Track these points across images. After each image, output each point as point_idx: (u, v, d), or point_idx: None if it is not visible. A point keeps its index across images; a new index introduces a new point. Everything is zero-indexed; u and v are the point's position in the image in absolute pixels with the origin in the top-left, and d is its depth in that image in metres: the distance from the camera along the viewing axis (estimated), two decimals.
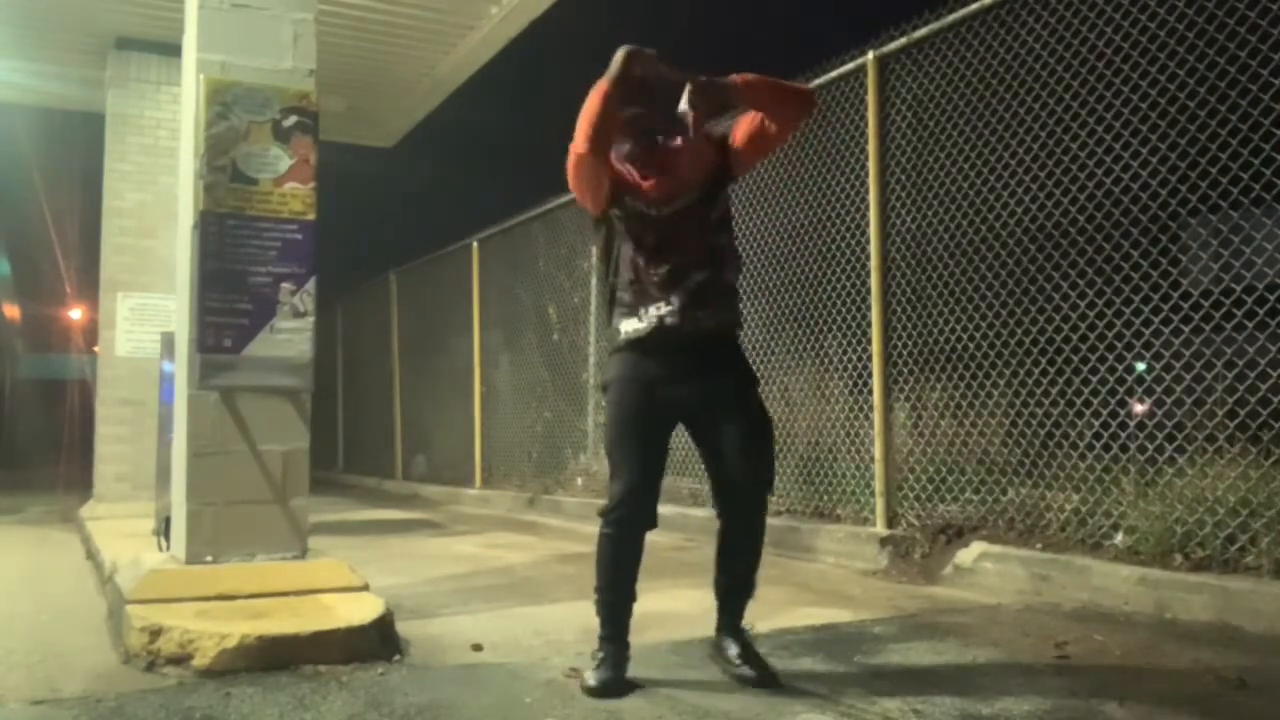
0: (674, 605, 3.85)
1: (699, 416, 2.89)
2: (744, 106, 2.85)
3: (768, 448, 2.96)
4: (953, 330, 4.99)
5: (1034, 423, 4.61)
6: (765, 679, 2.77)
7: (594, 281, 8.43)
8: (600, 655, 2.80)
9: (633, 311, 2.86)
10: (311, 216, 3.88)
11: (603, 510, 2.86)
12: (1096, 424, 4.33)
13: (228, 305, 3.73)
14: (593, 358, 8.47)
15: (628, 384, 2.86)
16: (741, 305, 3.12)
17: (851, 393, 5.60)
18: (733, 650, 2.87)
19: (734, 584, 2.96)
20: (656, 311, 2.82)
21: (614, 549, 2.85)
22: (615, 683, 2.73)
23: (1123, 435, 4.26)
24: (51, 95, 8.39)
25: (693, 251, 2.83)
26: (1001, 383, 4.75)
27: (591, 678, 2.73)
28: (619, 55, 2.69)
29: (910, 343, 5.18)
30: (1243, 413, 3.88)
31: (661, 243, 2.84)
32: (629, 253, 2.86)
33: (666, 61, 2.74)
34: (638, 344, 2.85)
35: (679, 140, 2.85)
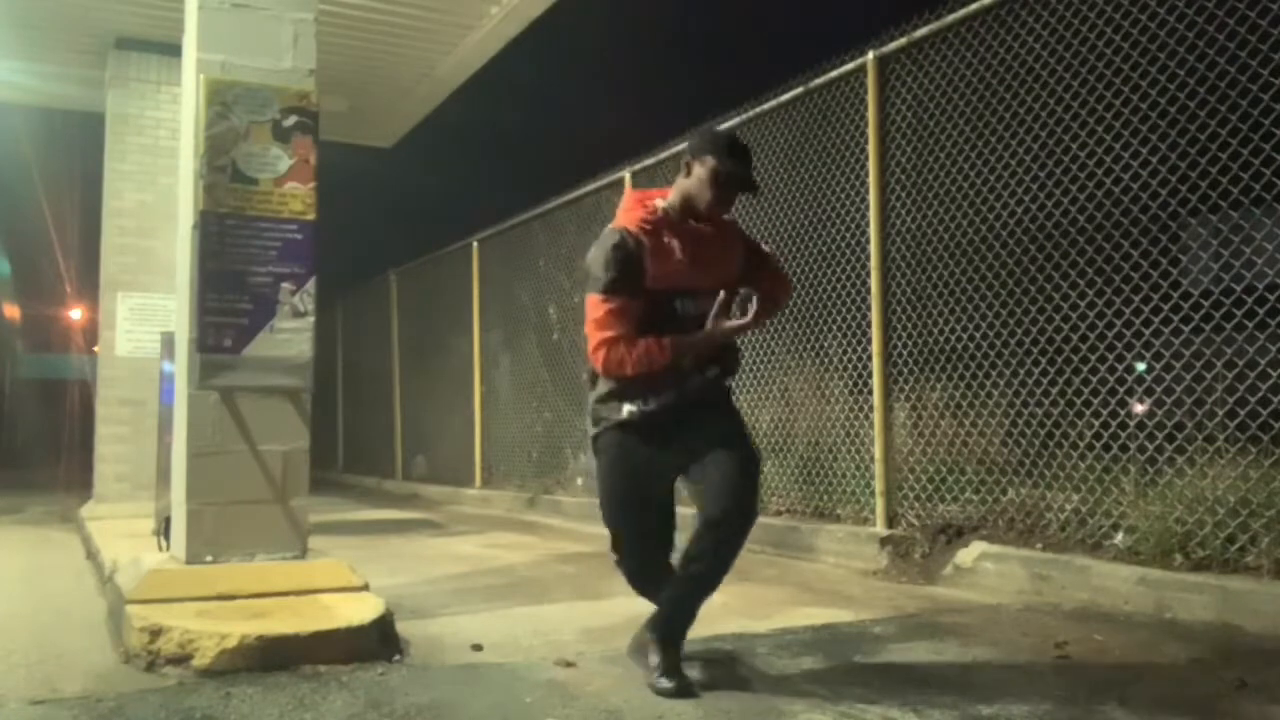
0: None
1: (694, 460, 2.80)
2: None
3: (756, 484, 2.87)
4: (953, 330, 4.99)
5: (1034, 423, 4.61)
6: (685, 690, 2.66)
7: None
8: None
9: (635, 396, 2.80)
10: (311, 216, 3.88)
11: (616, 562, 2.99)
12: (1096, 424, 4.33)
13: (228, 305, 3.73)
14: None
15: (623, 462, 2.84)
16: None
17: (851, 393, 5.60)
18: (655, 659, 2.74)
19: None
20: (658, 400, 2.78)
21: (632, 580, 3.00)
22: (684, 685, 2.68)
23: (1123, 435, 4.26)
24: (51, 95, 8.39)
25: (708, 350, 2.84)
26: (1001, 383, 4.75)
27: (663, 681, 2.67)
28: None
29: (910, 343, 5.18)
30: (1243, 413, 3.88)
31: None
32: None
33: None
34: (634, 426, 2.81)
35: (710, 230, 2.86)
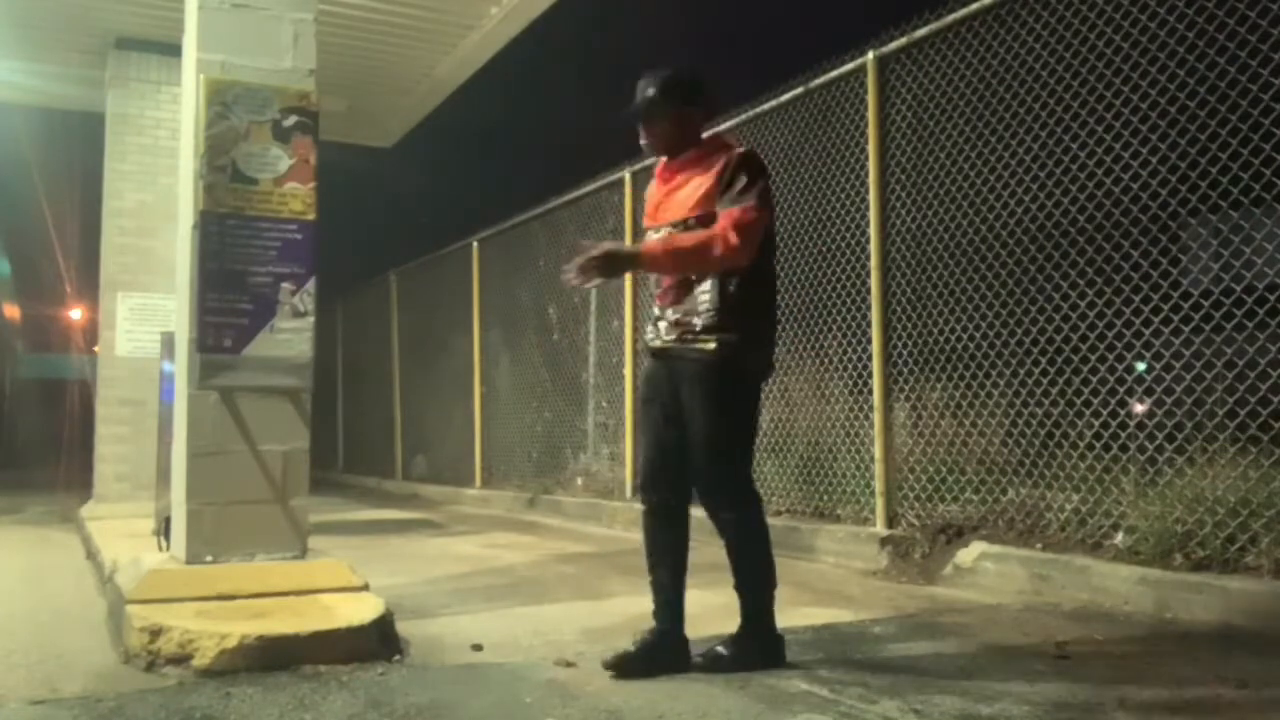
0: None
1: (678, 427, 2.98)
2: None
3: (711, 467, 2.94)
4: (953, 330, 4.99)
5: (1034, 423, 4.61)
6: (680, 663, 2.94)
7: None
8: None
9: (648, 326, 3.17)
10: (311, 216, 3.88)
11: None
12: (1096, 424, 4.33)
13: (228, 305, 3.73)
14: (593, 357, 8.48)
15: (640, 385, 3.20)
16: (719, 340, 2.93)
17: (851, 393, 5.60)
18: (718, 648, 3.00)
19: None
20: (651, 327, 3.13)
21: (644, 525, 3.12)
22: (628, 662, 2.85)
23: (1123, 435, 4.26)
24: (51, 95, 8.38)
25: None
26: (1001, 383, 4.75)
27: (609, 654, 2.87)
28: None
29: (910, 343, 5.18)
30: (1243, 413, 3.88)
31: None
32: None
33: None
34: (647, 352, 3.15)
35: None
